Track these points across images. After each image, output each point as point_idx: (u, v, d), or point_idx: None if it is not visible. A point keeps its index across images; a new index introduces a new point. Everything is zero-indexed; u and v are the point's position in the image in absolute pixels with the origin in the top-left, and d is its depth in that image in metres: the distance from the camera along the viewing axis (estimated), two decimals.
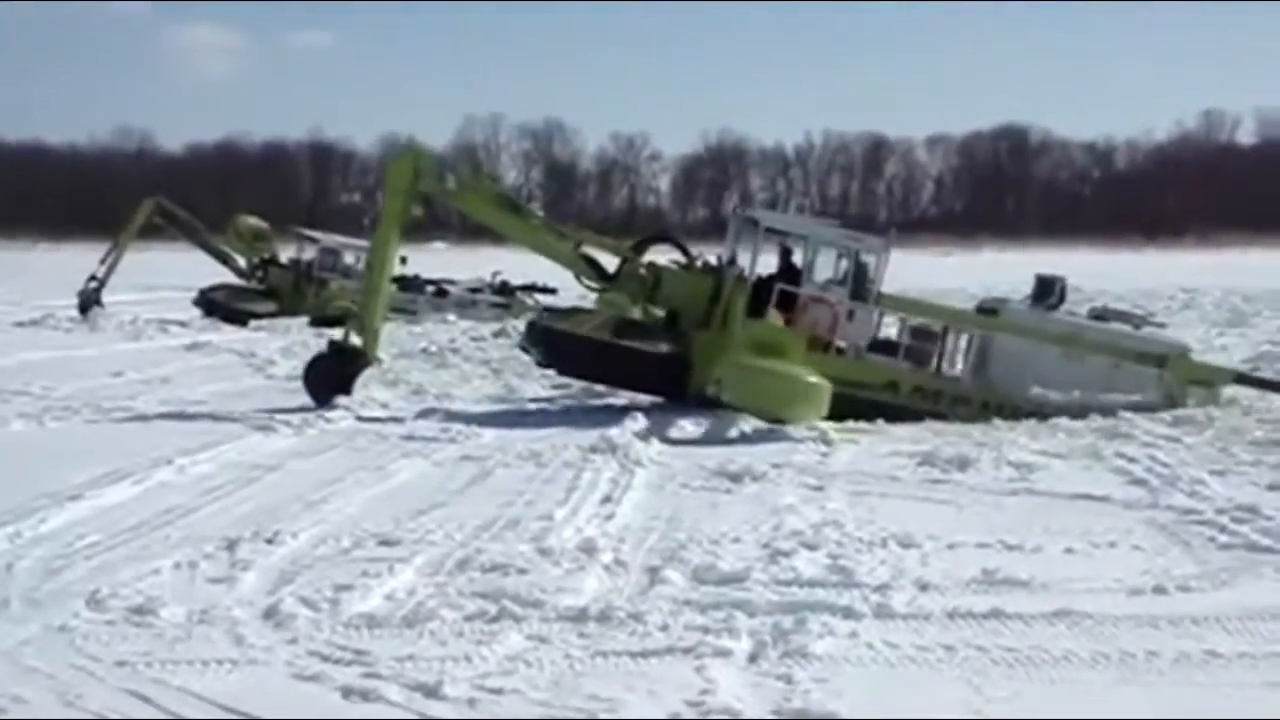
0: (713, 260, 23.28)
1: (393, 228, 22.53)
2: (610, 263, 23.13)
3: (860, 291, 22.59)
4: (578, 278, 23.19)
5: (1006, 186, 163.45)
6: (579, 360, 22.61)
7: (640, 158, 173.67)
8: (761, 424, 19.56)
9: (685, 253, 23.45)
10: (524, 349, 24.55)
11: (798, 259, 23.15)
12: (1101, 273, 64.20)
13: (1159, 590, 10.60)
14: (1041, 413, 21.14)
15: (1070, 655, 9.00)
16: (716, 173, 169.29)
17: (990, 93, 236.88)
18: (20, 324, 40.85)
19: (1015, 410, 21.36)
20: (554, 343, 22.86)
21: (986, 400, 21.95)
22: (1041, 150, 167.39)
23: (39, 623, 9.60)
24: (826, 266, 23.20)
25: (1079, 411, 20.95)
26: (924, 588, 10.55)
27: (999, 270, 62.99)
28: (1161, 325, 25.31)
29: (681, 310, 22.68)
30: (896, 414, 21.04)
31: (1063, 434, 19.43)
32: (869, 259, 22.81)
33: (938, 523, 13.08)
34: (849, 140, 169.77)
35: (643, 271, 22.74)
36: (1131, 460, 16.93)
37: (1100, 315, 23.93)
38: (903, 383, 22.11)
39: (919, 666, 8.84)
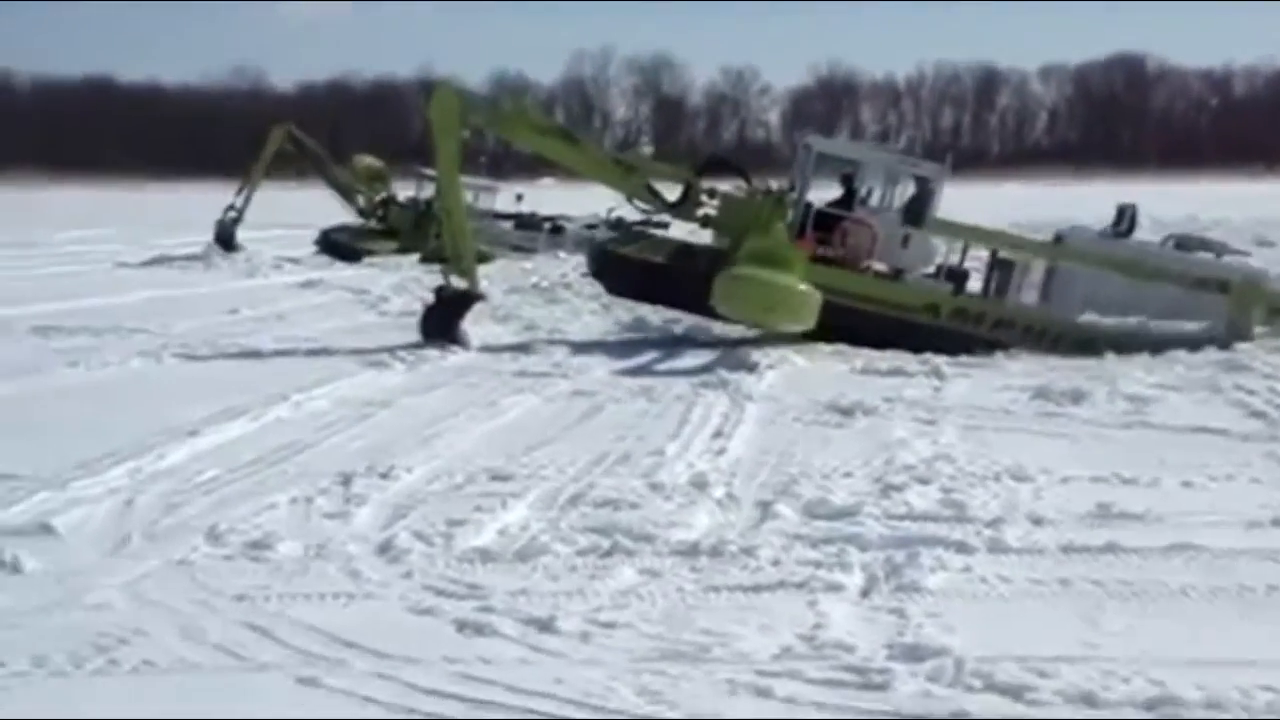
0: (774, 186, 23.35)
1: (453, 168, 22.44)
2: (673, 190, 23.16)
3: (914, 216, 22.70)
4: (630, 200, 23.18)
5: (1122, 117, 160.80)
6: (627, 279, 23.38)
7: (750, 91, 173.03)
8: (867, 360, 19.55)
9: (745, 178, 23.44)
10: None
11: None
12: (1219, 202, 63.13)
13: (1278, 523, 10.42)
14: (1090, 340, 20.98)
15: (1187, 589, 8.86)
16: (827, 106, 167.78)
17: (1104, 21, 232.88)
18: (134, 264, 41.27)
19: (1063, 336, 21.31)
20: (606, 262, 23.72)
21: (1031, 325, 21.92)
22: (1158, 79, 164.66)
23: (159, 557, 9.73)
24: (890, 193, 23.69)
25: (1129, 340, 20.75)
26: (1037, 522, 10.43)
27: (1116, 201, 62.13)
28: (1247, 254, 24.84)
29: (736, 234, 22.65)
30: (935, 337, 21.02)
31: (1180, 366, 19.05)
32: (926, 185, 22.94)
33: (1051, 457, 12.91)
34: (961, 71, 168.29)
35: (703, 197, 22.78)
36: (1250, 392, 16.65)
37: (1182, 243, 23.56)
38: (943, 305, 22.09)
39: (1033, 601, 8.75)
